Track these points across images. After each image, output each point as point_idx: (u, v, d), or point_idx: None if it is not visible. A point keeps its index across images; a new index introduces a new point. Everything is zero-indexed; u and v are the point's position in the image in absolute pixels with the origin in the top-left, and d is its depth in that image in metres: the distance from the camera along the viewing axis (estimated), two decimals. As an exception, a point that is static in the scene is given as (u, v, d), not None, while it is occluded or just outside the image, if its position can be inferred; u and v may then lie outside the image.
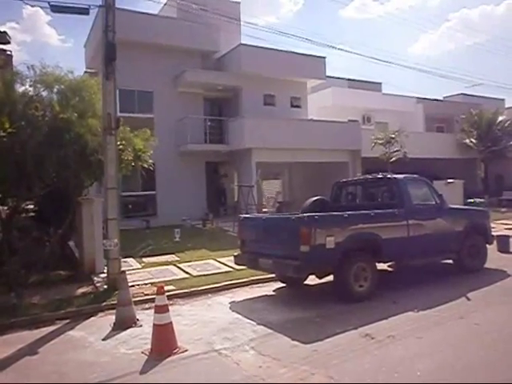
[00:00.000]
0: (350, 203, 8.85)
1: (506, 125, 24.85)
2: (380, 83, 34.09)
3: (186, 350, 5.18)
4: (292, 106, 21.35)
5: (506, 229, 14.30)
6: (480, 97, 34.09)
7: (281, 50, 20.18)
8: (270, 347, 5.18)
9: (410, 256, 7.54)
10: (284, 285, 8.34)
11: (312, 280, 7.83)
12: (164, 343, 5.13)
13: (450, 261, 8.72)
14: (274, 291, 8.11)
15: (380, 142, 19.51)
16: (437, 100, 31.30)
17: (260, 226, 7.44)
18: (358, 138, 20.86)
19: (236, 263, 8.05)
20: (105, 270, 9.62)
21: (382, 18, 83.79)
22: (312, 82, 22.02)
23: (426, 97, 30.89)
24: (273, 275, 8.42)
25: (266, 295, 7.87)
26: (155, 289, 8.35)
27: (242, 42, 19.91)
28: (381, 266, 7.89)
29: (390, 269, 9.32)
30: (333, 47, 28.88)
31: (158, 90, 18.87)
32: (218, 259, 10.79)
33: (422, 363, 4.46)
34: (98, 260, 9.79)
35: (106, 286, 8.36)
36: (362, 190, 9.01)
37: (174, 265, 10.38)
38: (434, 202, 8.16)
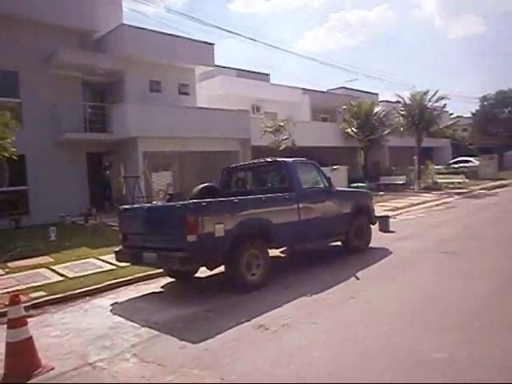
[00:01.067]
0: (240, 189, 8.50)
1: (381, 116, 26.89)
2: (268, 74, 34.73)
3: (53, 368, 4.32)
4: (180, 93, 20.48)
5: (385, 210, 15.35)
6: (358, 90, 36.73)
7: (167, 34, 19.20)
8: (155, 352, 4.56)
9: (301, 240, 7.43)
10: (173, 280, 7.72)
11: (203, 272, 7.34)
12: (21, 364, 4.19)
13: (339, 243, 8.88)
14: (162, 287, 7.44)
15: (269, 130, 19.68)
16: (321, 92, 32.82)
17: (142, 217, 6.69)
18: (247, 127, 20.81)
19: (117, 259, 7.20)
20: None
21: (269, 14, 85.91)
22: (200, 68, 21.35)
23: (312, 88, 32.26)
24: (161, 270, 7.75)
25: (154, 292, 7.17)
26: (22, 297, 7.19)
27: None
28: (273, 252, 7.69)
29: (282, 254, 9.23)
30: (227, 30, 28.23)
31: (26, 70, 16.62)
32: (100, 257, 9.74)
33: (318, 351, 4.23)
34: None
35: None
36: (252, 175, 8.72)
37: (47, 267, 9.09)
38: (322, 186, 8.17)
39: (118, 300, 6.82)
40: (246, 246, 6.35)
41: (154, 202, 17.04)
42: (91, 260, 9.60)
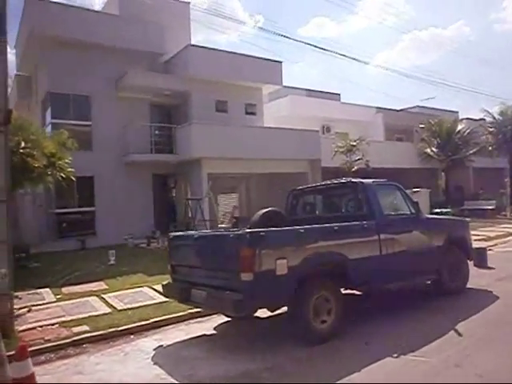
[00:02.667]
0: (308, 215, 7.32)
1: (465, 134, 24.44)
2: (339, 94, 33.47)
3: None
4: (247, 113, 19.88)
5: (476, 240, 13.25)
6: (435, 109, 34.08)
7: (234, 53, 18.80)
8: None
9: (383, 280, 6.04)
10: (229, 319, 6.64)
11: (264, 312, 6.20)
12: None
13: (428, 282, 7.32)
14: (214, 329, 6.39)
15: (341, 150, 18.35)
16: (396, 110, 30.84)
17: (192, 247, 5.73)
18: (317, 147, 19.62)
19: (164, 295, 6.29)
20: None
21: (339, 37, 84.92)
22: (268, 88, 20.66)
23: (385, 107, 30.42)
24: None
25: (205, 335, 6.13)
26: (62, 331, 6.50)
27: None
28: (347, 292, 6.36)
29: (357, 292, 7.82)
30: (309, 44, 27.69)
31: (97, 94, 16.93)
32: (154, 286, 8.94)
33: None
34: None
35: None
36: (323, 198, 7.51)
37: (98, 296, 8.45)
38: (408, 212, 6.75)
39: (164, 343, 5.86)
40: (314, 287, 5.14)
41: (219, 226, 16.35)
42: (144, 289, 8.85)
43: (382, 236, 6.03)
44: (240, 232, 4.86)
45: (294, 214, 7.48)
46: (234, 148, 16.71)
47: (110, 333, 6.31)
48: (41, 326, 6.69)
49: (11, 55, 22.04)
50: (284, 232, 5.20)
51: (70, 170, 8.97)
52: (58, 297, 8.52)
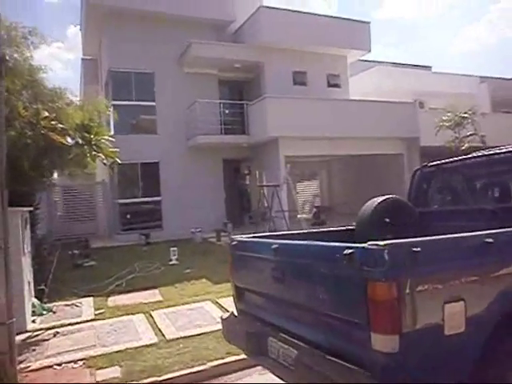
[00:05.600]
0: (452, 207, 4.60)
1: None
2: (430, 67, 29.23)
3: None
4: (329, 85, 17.02)
5: None
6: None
7: (314, 14, 16.06)
8: None
9: None
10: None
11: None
12: None
13: None
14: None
15: (447, 124, 14.91)
16: (505, 79, 25.96)
17: (269, 263, 3.29)
18: (414, 123, 16.35)
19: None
20: (29, 327, 5.89)
21: (418, 19, 77.28)
22: (353, 55, 17.63)
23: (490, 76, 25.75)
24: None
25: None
26: (84, 375, 4.54)
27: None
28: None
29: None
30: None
31: (161, 70, 15.17)
32: (219, 300, 6.78)
33: None
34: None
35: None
36: (478, 178, 4.70)
37: (147, 313, 6.44)
38: None
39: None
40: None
41: (299, 217, 13.91)
42: (206, 305, 6.69)
43: None
44: (361, 245, 2.32)
45: (426, 204, 4.79)
46: (314, 125, 14.07)
47: (146, 385, 4.19)
48: (59, 364, 4.77)
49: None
50: (456, 243, 2.57)
51: (111, 149, 6.99)
52: (98, 312, 6.65)
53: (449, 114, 15.27)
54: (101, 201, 16.66)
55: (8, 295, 4.42)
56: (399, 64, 26.26)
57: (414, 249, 2.24)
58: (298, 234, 4.44)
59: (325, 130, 14.30)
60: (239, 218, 16.80)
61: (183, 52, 15.07)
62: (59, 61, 59.96)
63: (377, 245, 2.23)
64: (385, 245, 2.21)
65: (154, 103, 15.19)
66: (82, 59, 19.23)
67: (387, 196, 4.41)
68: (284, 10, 15.72)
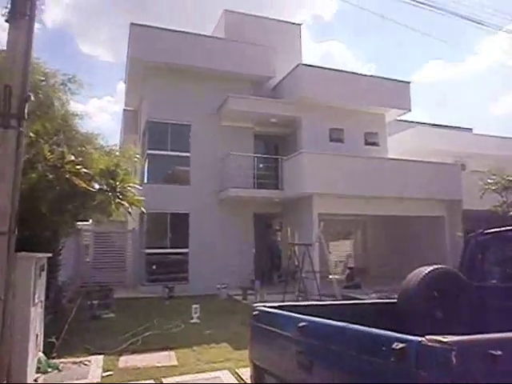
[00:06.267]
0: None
1: None
2: (470, 129, 28.59)
3: None
4: (367, 143, 16.66)
5: None
6: None
7: (353, 73, 16.03)
8: None
9: None
10: None
11: None
12: None
13: None
14: None
15: (493, 187, 14.04)
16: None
17: (295, 343, 2.69)
18: (457, 185, 15.56)
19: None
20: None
21: (455, 80, 77.29)
22: (392, 114, 17.33)
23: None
24: None
25: None
26: None
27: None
28: None
29: None
30: None
31: (197, 122, 15.33)
32: (239, 369, 6.08)
33: None
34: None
35: None
36: None
37: (157, 380, 5.79)
38: None
39: None
40: None
41: (331, 277, 13.09)
42: (223, 375, 5.98)
43: None
44: (417, 338, 1.72)
45: (482, 277, 4.11)
46: (350, 183, 13.59)
47: None
48: None
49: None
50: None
51: (137, 198, 6.71)
52: (106, 374, 6.06)
53: (494, 177, 14.45)
54: (130, 249, 16.46)
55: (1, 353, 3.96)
56: (439, 125, 25.82)
57: (493, 352, 1.64)
58: (332, 305, 3.83)
59: (361, 189, 13.75)
60: (268, 275, 16.10)
61: (220, 105, 15.24)
62: (107, 113, 63.49)
63: (440, 341, 1.65)
64: (451, 342, 1.62)
65: (188, 154, 15.24)
66: (124, 110, 19.87)
67: (436, 266, 3.79)
68: (323, 68, 15.80)
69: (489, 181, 14.40)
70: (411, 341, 1.73)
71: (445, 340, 1.67)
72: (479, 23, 11.72)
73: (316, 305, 3.91)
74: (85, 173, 5.54)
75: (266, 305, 3.62)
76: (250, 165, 15.21)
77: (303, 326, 2.53)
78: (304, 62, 16.06)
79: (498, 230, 4.14)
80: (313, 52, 53.11)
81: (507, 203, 13.92)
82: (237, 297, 12.69)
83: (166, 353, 7.16)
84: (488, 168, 19.77)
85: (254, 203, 15.38)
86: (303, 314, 2.84)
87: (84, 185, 5.49)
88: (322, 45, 56.29)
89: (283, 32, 17.32)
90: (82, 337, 8.10)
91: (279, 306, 3.65)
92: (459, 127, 27.30)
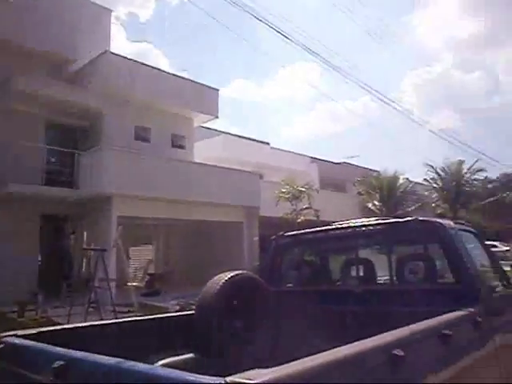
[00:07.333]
0: (312, 286, 3.83)
1: (407, 188, 23.15)
2: (268, 143, 31.31)
3: None
4: (174, 145, 16.28)
5: None
6: (361, 167, 32.62)
7: (162, 71, 15.45)
8: None
9: None
10: None
11: None
12: None
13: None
14: None
15: (286, 196, 15.35)
16: (331, 162, 29.19)
17: None
18: (256, 193, 16.49)
19: None
20: None
21: (257, 102, 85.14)
22: (200, 119, 17.41)
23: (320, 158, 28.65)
24: None
25: None
26: None
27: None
28: None
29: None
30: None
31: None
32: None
33: None
34: None
35: None
36: (346, 253, 3.99)
37: None
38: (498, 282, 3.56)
39: None
40: None
41: (129, 284, 12.06)
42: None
43: (498, 339, 2.75)
44: (218, 381, 1.18)
45: (281, 281, 3.94)
46: (155, 185, 12.91)
47: None
48: None
49: None
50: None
51: None
52: None
53: (287, 187, 15.86)
54: None
55: None
56: (243, 137, 27.42)
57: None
58: (115, 324, 3.07)
59: (165, 192, 13.20)
60: (56, 286, 14.00)
61: (3, 82, 12.64)
62: None
63: (247, 379, 1.12)
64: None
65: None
66: None
67: (236, 272, 3.41)
68: (131, 60, 14.77)
69: (282, 190, 15.73)
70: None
71: (249, 376, 1.17)
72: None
73: (95, 325, 3.08)
74: None
75: (21, 332, 2.62)
76: (38, 157, 13.01)
77: (60, 367, 1.74)
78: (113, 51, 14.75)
79: (298, 232, 4.04)
80: (125, 51, 50.68)
81: (296, 211, 15.40)
82: (11, 314, 10.53)
83: None
84: (282, 179, 21.88)
85: (42, 202, 13.15)
86: (72, 343, 2.04)
87: None
88: (136, 45, 54.29)
89: (92, 14, 15.59)
90: None
91: (42, 331, 2.70)
92: (259, 140, 29.51)
